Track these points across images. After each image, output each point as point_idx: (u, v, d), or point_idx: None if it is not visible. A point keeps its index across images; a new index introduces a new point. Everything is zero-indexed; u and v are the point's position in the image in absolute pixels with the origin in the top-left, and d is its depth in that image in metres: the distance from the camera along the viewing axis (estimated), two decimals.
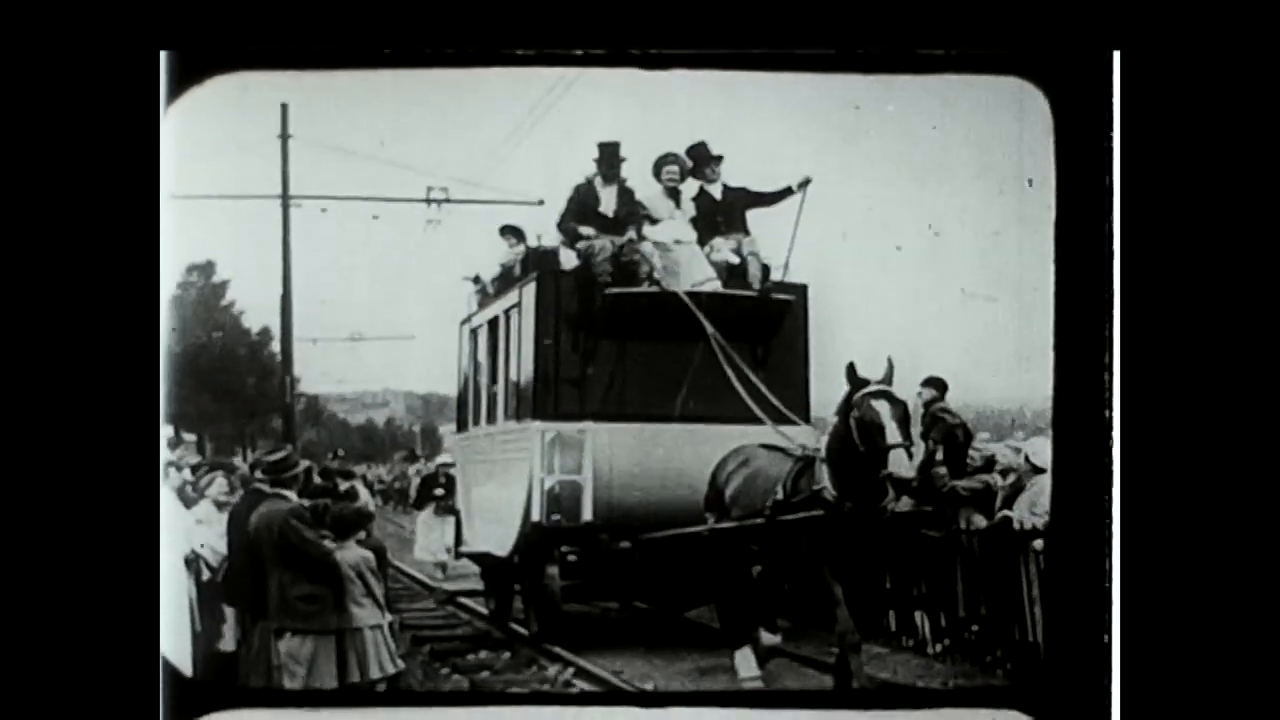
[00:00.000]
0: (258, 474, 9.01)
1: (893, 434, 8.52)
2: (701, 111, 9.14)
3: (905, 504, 9.03)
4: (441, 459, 11.26)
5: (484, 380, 11.02)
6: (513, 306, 10.45)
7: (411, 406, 11.21)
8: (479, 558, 10.91)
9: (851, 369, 8.74)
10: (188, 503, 9.22)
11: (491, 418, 10.91)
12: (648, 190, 10.10)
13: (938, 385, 9.71)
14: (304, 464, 9.06)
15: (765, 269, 10.19)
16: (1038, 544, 8.98)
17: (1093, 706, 8.22)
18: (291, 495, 8.83)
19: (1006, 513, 9.44)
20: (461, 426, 11.22)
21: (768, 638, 9.37)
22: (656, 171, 10.03)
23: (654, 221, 10.14)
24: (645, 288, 9.96)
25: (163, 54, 8.15)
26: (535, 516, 9.83)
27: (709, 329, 9.78)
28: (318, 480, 9.26)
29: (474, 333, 11.13)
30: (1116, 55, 8.15)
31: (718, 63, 8.57)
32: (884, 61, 8.55)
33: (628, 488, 9.81)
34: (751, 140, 9.50)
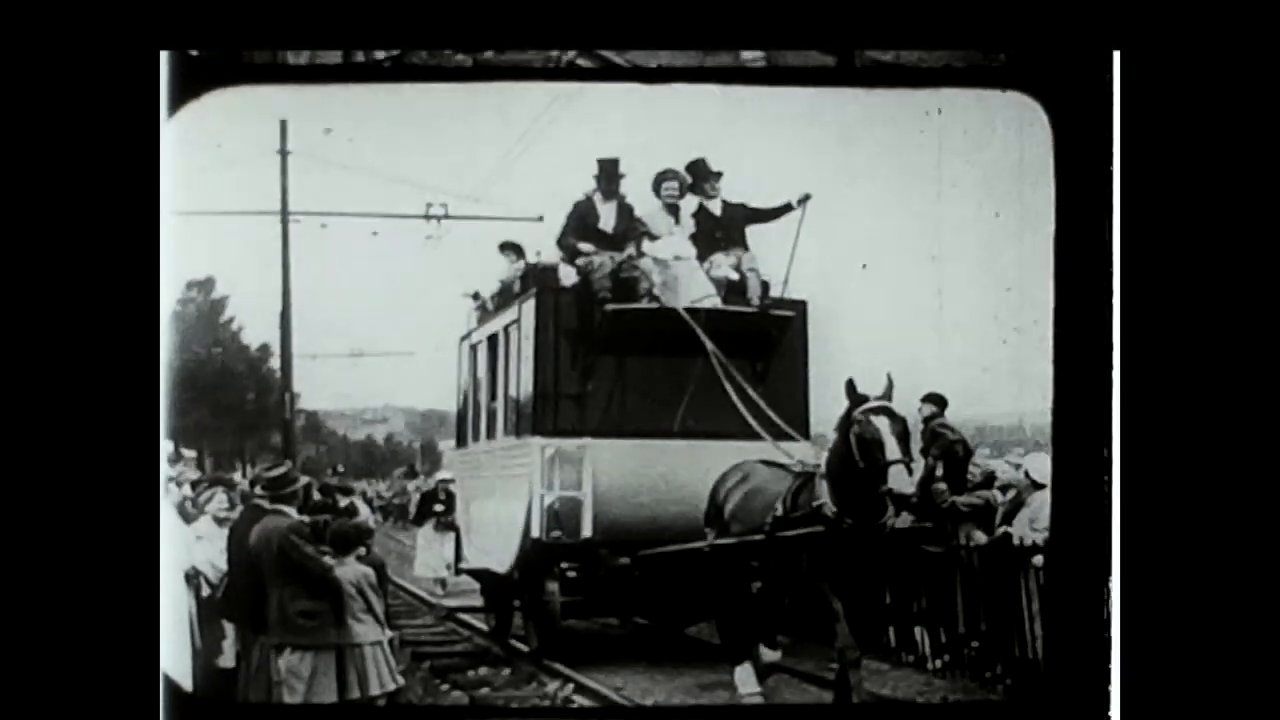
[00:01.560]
0: (257, 490, 8.99)
1: (892, 450, 8.51)
2: (700, 127, 9.17)
3: (905, 520, 9.03)
4: (441, 475, 11.25)
5: (483, 396, 11.01)
6: (512, 323, 10.44)
7: (411, 422, 11.20)
8: (479, 574, 10.90)
9: (851, 385, 8.73)
10: (187, 518, 9.20)
11: (491, 433, 10.90)
12: (647, 206, 10.10)
13: (938, 401, 9.71)
14: (304, 480, 9.06)
15: (765, 285, 10.18)
16: (1038, 560, 8.97)
17: (1094, 713, 8.22)
18: (291, 511, 8.81)
19: (1007, 529, 9.43)
20: (461, 442, 11.21)
21: (768, 654, 9.37)
22: (656, 187, 10.03)
23: (653, 238, 10.13)
24: (644, 304, 9.95)
25: (162, 69, 8.16)
26: (535, 533, 9.82)
27: (708, 345, 9.77)
28: (317, 496, 9.25)
29: (473, 349, 11.12)
30: (1116, 56, 8.16)
31: (716, 76, 8.59)
32: (883, 75, 8.57)
33: (627, 504, 9.80)
34: (751, 156, 9.52)
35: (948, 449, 9.70)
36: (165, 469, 8.38)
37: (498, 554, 10.32)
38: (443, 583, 11.19)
